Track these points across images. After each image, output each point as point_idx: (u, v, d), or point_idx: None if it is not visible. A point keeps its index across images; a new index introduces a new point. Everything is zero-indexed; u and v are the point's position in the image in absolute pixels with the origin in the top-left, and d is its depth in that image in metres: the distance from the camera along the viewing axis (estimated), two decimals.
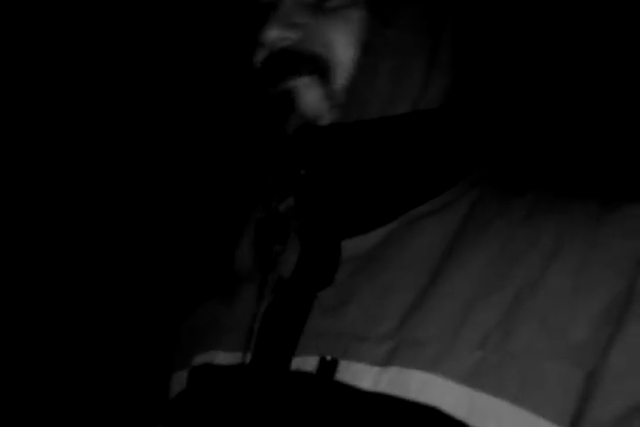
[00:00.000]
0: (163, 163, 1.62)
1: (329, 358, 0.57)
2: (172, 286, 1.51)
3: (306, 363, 0.59)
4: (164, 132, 1.61)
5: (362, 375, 0.55)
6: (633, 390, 0.50)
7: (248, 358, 0.64)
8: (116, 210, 1.63)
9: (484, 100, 0.66)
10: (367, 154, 0.62)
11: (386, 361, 0.55)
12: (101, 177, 1.64)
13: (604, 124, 1.17)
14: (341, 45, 0.62)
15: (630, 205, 0.56)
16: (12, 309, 1.58)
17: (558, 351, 0.52)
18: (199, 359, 0.73)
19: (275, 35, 0.62)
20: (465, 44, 0.64)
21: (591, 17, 1.18)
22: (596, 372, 0.50)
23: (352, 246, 0.64)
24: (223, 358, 0.69)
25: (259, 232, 0.68)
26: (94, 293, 1.61)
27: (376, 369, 0.55)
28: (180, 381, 0.75)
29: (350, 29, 0.62)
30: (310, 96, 0.62)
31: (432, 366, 0.53)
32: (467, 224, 0.60)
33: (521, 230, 0.57)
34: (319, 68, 0.62)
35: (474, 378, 0.52)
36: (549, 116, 1.15)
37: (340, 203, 0.62)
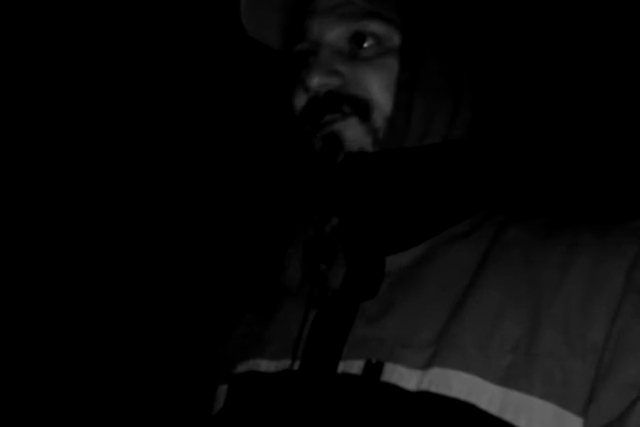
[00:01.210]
0: (214, 176, 1.66)
1: (374, 360, 0.63)
2: (214, 301, 1.54)
3: (352, 366, 0.65)
4: (206, 147, 1.65)
5: (406, 377, 0.61)
6: (625, 371, 0.58)
7: (296, 364, 0.69)
8: (155, 220, 1.66)
9: (503, 131, 0.74)
10: (404, 178, 0.69)
11: (428, 364, 0.61)
12: (127, 182, 1.67)
13: (611, 157, 1.24)
14: (378, 89, 0.69)
15: (631, 221, 0.64)
16: (12, 309, 1.59)
17: (578, 352, 0.59)
18: (241, 368, 0.77)
19: (318, 81, 0.69)
20: (483, 85, 0.72)
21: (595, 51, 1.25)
22: (600, 360, 0.58)
23: (391, 262, 0.70)
24: (268, 365, 0.74)
25: (308, 251, 0.74)
26: (102, 296, 1.63)
27: (419, 372, 0.61)
28: (224, 392, 0.79)
29: (384, 74, 0.69)
30: (354, 133, 0.69)
31: (469, 367, 0.60)
32: (493, 244, 0.68)
33: (538, 249, 0.65)
34: (360, 108, 0.69)
35: (506, 378, 0.59)
36: (560, 148, 1.22)
37: (382, 222, 0.69)
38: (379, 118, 0.69)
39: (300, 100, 0.73)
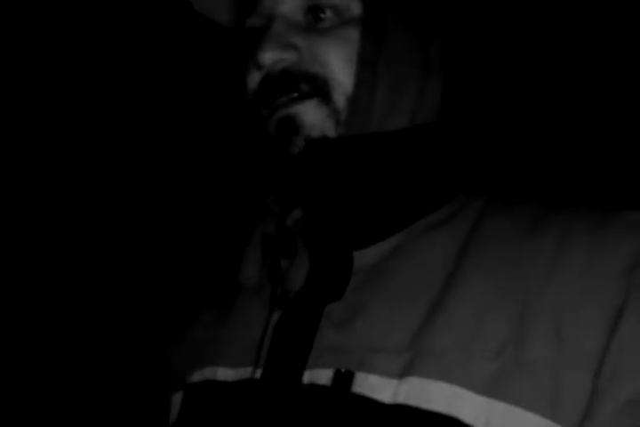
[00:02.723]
0: (164, 170, 1.60)
1: (344, 370, 0.56)
2: (166, 301, 1.50)
3: (320, 376, 0.58)
4: (164, 141, 1.60)
5: (380, 387, 0.54)
6: (629, 384, 0.50)
7: (257, 372, 0.62)
8: (116, 215, 1.61)
9: (479, 110, 0.67)
10: (373, 165, 0.61)
11: (403, 373, 0.54)
12: (103, 181, 1.62)
13: (602, 132, 1.18)
14: (338, 64, 0.62)
15: (630, 213, 0.56)
16: (12, 309, 1.55)
17: (572, 359, 0.52)
18: (197, 376, 0.70)
19: (271, 56, 0.62)
20: (453, 56, 0.65)
21: (579, 19, 1.20)
22: (598, 372, 0.51)
23: (359, 259, 0.63)
24: (226, 373, 0.67)
25: (266, 247, 0.67)
26: (92, 297, 1.59)
27: (394, 381, 0.54)
28: (178, 402, 0.72)
29: (345, 47, 0.62)
30: (314, 117, 0.62)
31: (450, 376, 0.53)
32: (472, 235, 0.60)
33: (525, 241, 0.58)
34: (319, 88, 0.62)
35: (491, 388, 0.52)
36: (546, 125, 1.16)
37: (348, 215, 0.62)
38: (340, 98, 0.62)
39: (253, 80, 0.65)
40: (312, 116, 0.62)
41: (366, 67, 0.61)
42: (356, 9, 0.63)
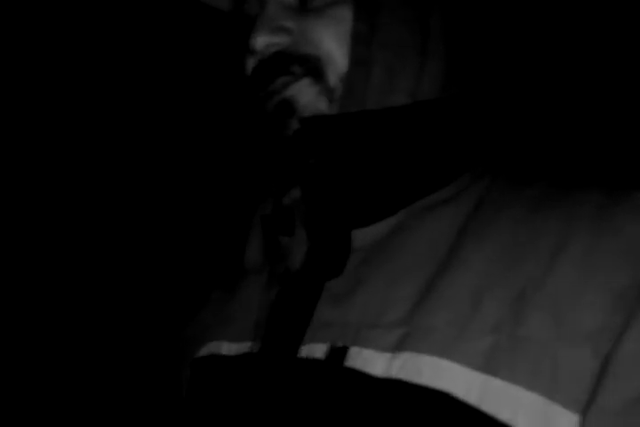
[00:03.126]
0: (165, 160, 1.61)
1: (339, 344, 0.57)
2: (174, 282, 1.51)
3: (315, 350, 0.58)
4: (165, 131, 1.60)
5: (373, 361, 0.54)
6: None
7: (256, 347, 0.63)
8: (117, 205, 1.62)
9: (482, 88, 0.66)
10: (373, 143, 0.61)
11: (397, 347, 0.54)
12: (99, 173, 1.62)
13: (609, 111, 1.14)
14: (331, 44, 0.61)
15: (636, 196, 0.54)
16: (11, 309, 1.57)
17: (572, 338, 0.50)
18: (203, 351, 0.72)
19: (263, 41, 0.62)
20: (454, 31, 0.63)
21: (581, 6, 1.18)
22: (609, 359, 0.49)
23: (360, 236, 0.63)
24: (229, 348, 0.69)
25: (266, 226, 0.68)
26: (94, 288, 1.61)
27: (387, 355, 0.54)
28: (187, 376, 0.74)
29: (338, 27, 0.61)
30: (307, 96, 0.62)
31: (444, 351, 0.52)
32: (475, 214, 0.60)
33: (529, 220, 0.57)
34: (312, 68, 0.61)
35: (486, 363, 0.51)
36: (553, 104, 1.13)
37: (348, 192, 0.61)
38: (333, 76, 0.61)
39: (249, 64, 0.65)
40: (305, 96, 0.62)
41: (359, 46, 0.60)
42: None
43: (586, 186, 0.58)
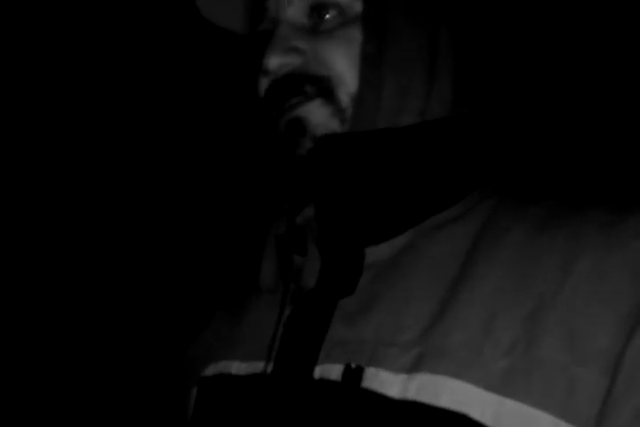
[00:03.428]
0: (180, 172, 1.61)
1: (354, 365, 0.56)
2: (178, 300, 1.50)
3: (330, 371, 0.58)
4: (178, 145, 1.61)
5: (389, 383, 0.54)
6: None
7: (269, 366, 0.63)
8: (126, 216, 1.62)
9: (491, 106, 0.66)
10: (384, 161, 0.61)
11: (412, 368, 0.54)
12: (117, 186, 1.63)
13: (614, 130, 1.15)
14: (342, 65, 0.62)
15: None
16: (11, 309, 1.56)
17: (584, 358, 0.51)
18: (210, 370, 0.71)
19: (276, 61, 0.63)
20: (462, 50, 0.64)
21: (589, 21, 1.17)
22: (615, 376, 0.50)
23: (371, 254, 0.63)
24: (239, 367, 0.68)
25: (280, 246, 0.68)
26: (96, 303, 1.59)
27: (403, 376, 0.54)
28: (194, 395, 0.73)
29: (349, 48, 0.62)
30: (319, 116, 0.63)
31: (459, 373, 0.52)
32: (484, 233, 0.60)
33: (537, 239, 0.57)
34: (324, 88, 0.62)
35: (501, 384, 0.51)
36: (558, 123, 1.13)
37: (360, 210, 0.62)
38: (344, 97, 0.62)
39: (262, 84, 0.66)
40: (317, 116, 0.63)
41: (369, 67, 0.61)
42: (359, 6, 0.63)
43: (592, 204, 0.58)
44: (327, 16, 0.64)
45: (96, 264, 1.63)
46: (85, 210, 1.64)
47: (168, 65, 1.60)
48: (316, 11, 0.64)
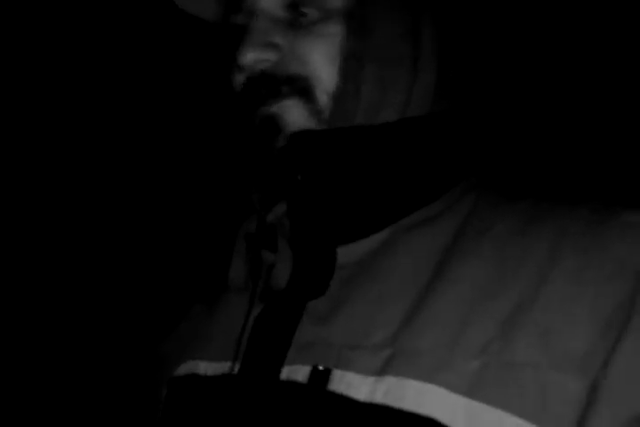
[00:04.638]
0: (151, 170, 1.59)
1: (321, 367, 0.55)
2: (156, 295, 1.50)
3: (297, 372, 0.56)
4: (149, 141, 1.60)
5: (356, 385, 0.53)
6: (632, 401, 0.48)
7: (236, 367, 0.61)
8: (107, 215, 1.61)
9: (473, 102, 0.65)
10: (359, 158, 0.59)
11: (381, 371, 0.52)
12: (98, 185, 1.62)
13: (599, 129, 1.13)
14: (321, 62, 0.60)
15: (628, 213, 0.54)
16: (11, 309, 1.55)
17: (559, 362, 0.49)
18: (181, 369, 0.70)
19: (252, 57, 0.60)
20: (446, 44, 0.62)
21: (573, 15, 1.16)
22: (598, 383, 0.48)
23: (344, 253, 0.61)
24: (207, 367, 0.66)
25: (250, 244, 0.66)
26: (83, 295, 1.58)
27: (371, 379, 0.52)
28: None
29: (328, 44, 0.60)
30: (295, 116, 0.60)
31: (429, 375, 0.51)
32: (461, 233, 0.58)
33: (517, 239, 0.55)
34: (301, 87, 0.60)
35: (472, 388, 0.50)
36: (542, 120, 1.11)
37: (334, 208, 0.60)
38: (322, 97, 0.60)
39: (237, 79, 0.63)
40: (293, 115, 0.60)
41: (351, 62, 0.59)
42: (337, 2, 0.60)
43: (575, 202, 0.57)
44: (305, 10, 0.61)
45: (72, 261, 1.62)
46: (64, 209, 1.63)
47: (147, 59, 1.59)
48: (293, 6, 0.61)
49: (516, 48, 1.09)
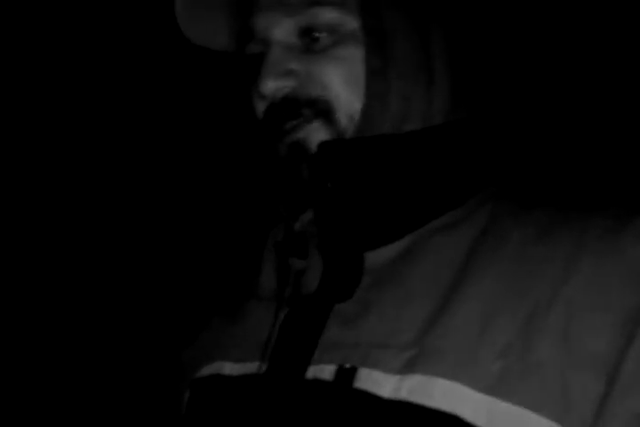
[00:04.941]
0: (181, 178, 1.60)
1: (347, 366, 0.57)
2: (176, 304, 1.49)
3: (323, 371, 0.58)
4: (174, 147, 1.60)
5: (382, 383, 0.54)
6: (638, 398, 0.50)
7: (262, 367, 0.63)
8: (127, 221, 1.61)
9: (488, 110, 0.66)
10: (385, 166, 0.61)
11: (406, 369, 0.54)
12: (123, 190, 1.63)
13: (615, 135, 1.14)
14: (339, 84, 0.62)
15: None
16: (11, 309, 1.55)
17: (580, 362, 0.51)
18: (204, 371, 0.71)
19: (272, 86, 0.62)
20: (456, 55, 0.64)
21: (584, 23, 1.16)
22: (612, 380, 0.50)
23: (371, 258, 0.63)
24: (232, 368, 0.68)
25: (279, 252, 0.68)
26: (107, 301, 1.59)
27: (396, 377, 0.54)
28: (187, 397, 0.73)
29: (344, 67, 0.62)
30: (319, 138, 0.62)
31: (453, 374, 0.52)
32: (483, 238, 0.60)
33: (536, 244, 0.57)
34: (321, 110, 0.62)
35: (496, 387, 0.51)
36: (558, 128, 1.13)
37: (360, 216, 0.62)
38: (343, 118, 0.62)
39: (259, 107, 0.65)
40: (317, 138, 0.62)
41: (376, 79, 0.61)
42: (351, 23, 0.62)
43: (593, 210, 0.58)
44: (318, 35, 0.63)
45: (96, 267, 1.61)
46: (84, 213, 1.63)
47: (166, 68, 1.59)
48: (307, 32, 0.63)
49: (529, 55, 1.09)
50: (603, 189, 0.64)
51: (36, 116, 1.63)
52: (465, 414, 0.51)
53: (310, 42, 0.63)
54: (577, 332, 0.52)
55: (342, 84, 0.62)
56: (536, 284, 0.55)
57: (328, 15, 0.62)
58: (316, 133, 0.63)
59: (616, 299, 0.52)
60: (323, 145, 0.62)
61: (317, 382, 0.58)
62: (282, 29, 0.64)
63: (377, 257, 0.63)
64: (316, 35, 0.63)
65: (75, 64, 1.62)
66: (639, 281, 0.52)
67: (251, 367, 0.65)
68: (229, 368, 0.68)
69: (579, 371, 0.51)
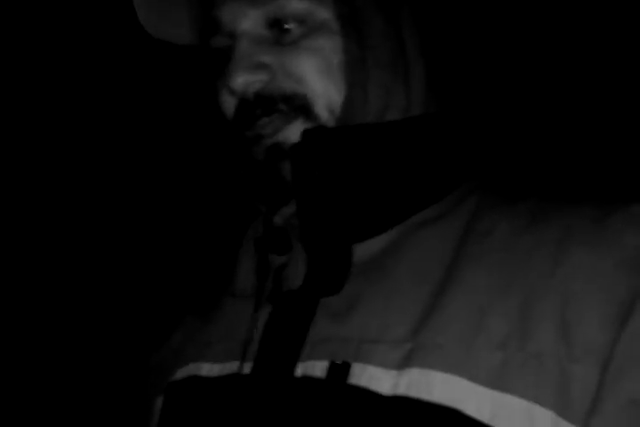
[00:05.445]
0: (153, 175, 1.59)
1: (339, 361, 0.54)
2: (151, 305, 1.46)
3: (313, 368, 0.56)
4: (150, 147, 1.59)
5: (379, 378, 0.52)
6: (630, 384, 0.49)
7: (245, 366, 0.60)
8: (107, 221, 1.59)
9: (469, 99, 0.65)
10: (370, 157, 0.59)
11: (404, 364, 0.52)
12: (100, 187, 1.61)
13: (601, 125, 1.13)
14: (314, 77, 0.59)
15: (630, 205, 0.55)
16: (11, 309, 1.52)
17: (578, 351, 0.50)
18: (179, 374, 0.68)
19: (242, 80, 0.59)
20: (427, 41, 0.63)
21: (560, 14, 1.15)
22: (605, 368, 0.50)
23: (357, 251, 0.61)
24: (210, 369, 0.65)
25: (259, 248, 0.65)
26: (78, 302, 1.56)
27: (393, 372, 0.52)
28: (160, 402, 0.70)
29: (318, 58, 0.59)
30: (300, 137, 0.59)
31: (453, 367, 0.51)
32: (471, 229, 0.59)
33: (525, 234, 0.56)
34: (299, 104, 0.59)
35: (496, 379, 0.50)
36: (544, 118, 1.12)
37: (346, 207, 0.60)
38: (322, 112, 0.59)
39: (229, 104, 0.62)
40: (297, 137, 0.60)
41: (357, 69, 0.59)
42: (322, 13, 0.60)
43: (577, 200, 0.58)
44: (287, 26, 0.60)
45: (66, 265, 1.58)
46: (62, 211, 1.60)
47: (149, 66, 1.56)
48: (276, 24, 0.60)
49: (505, 46, 1.08)
50: (586, 180, 0.64)
51: (36, 116, 1.61)
52: (467, 408, 0.50)
53: (280, 33, 0.60)
54: (572, 320, 0.51)
55: (318, 77, 0.59)
56: (527, 273, 0.54)
57: (297, 5, 0.59)
58: (295, 133, 0.60)
59: (607, 285, 0.52)
60: (306, 133, 0.59)
61: (308, 380, 0.56)
62: (249, 21, 0.61)
63: (363, 250, 0.61)
64: (286, 26, 0.60)
65: (74, 64, 1.60)
66: (628, 267, 0.52)
67: (230, 367, 0.63)
68: (207, 369, 0.65)
69: (577, 360, 0.50)
